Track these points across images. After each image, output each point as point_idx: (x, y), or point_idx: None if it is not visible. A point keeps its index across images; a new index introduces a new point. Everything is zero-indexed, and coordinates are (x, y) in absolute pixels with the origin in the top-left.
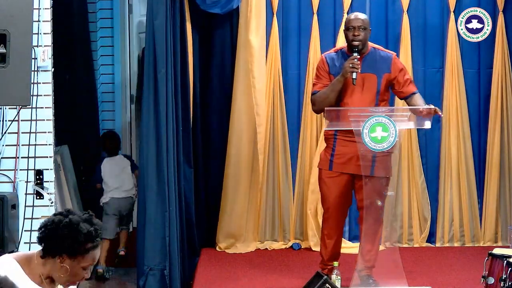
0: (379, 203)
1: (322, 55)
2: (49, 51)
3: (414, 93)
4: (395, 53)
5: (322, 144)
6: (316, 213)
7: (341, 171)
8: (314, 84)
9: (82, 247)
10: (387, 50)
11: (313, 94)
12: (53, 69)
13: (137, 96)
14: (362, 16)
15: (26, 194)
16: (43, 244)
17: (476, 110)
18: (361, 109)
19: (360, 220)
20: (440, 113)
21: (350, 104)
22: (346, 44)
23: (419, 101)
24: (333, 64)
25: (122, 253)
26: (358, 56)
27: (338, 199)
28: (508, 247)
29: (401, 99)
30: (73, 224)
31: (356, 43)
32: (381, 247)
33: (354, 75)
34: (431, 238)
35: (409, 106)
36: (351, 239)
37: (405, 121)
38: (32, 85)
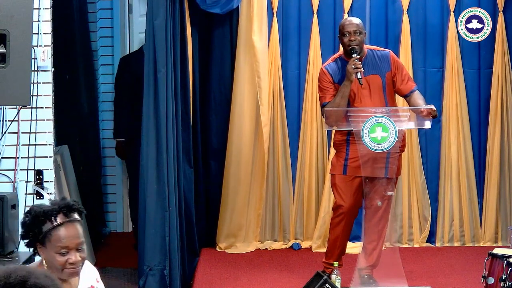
0: (379, 203)
1: (322, 66)
2: (49, 51)
3: (413, 91)
4: (390, 50)
5: (333, 151)
6: (318, 215)
7: (356, 175)
8: (321, 97)
9: (41, 229)
10: (382, 49)
11: (322, 106)
12: (53, 69)
13: None
14: (356, 20)
15: (26, 194)
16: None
17: (476, 110)
18: (361, 109)
19: (365, 219)
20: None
21: None
22: (343, 50)
23: (419, 101)
24: (335, 73)
25: None
26: (358, 57)
27: (353, 203)
28: (508, 247)
29: (401, 96)
30: (32, 209)
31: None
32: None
33: (359, 75)
34: (431, 238)
35: (409, 105)
36: (351, 239)
37: (405, 121)
38: (32, 85)
